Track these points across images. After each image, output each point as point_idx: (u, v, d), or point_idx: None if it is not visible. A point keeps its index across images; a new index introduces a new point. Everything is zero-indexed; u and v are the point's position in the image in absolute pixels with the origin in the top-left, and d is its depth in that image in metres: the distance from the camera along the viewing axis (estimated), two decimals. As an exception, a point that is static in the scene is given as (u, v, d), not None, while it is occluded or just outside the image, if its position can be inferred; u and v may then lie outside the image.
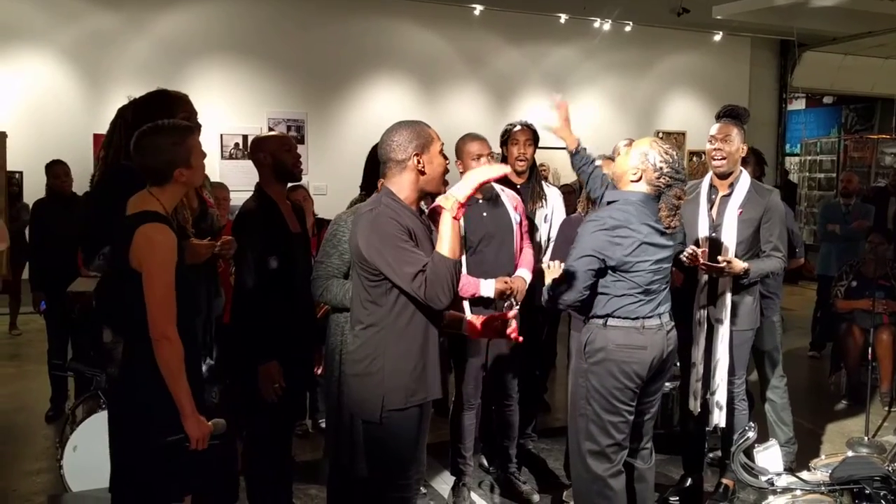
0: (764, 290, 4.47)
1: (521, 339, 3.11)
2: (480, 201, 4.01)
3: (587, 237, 3.22)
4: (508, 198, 4.13)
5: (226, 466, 3.11)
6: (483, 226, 3.99)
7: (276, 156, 3.56)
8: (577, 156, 4.03)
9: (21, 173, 8.52)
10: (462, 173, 3.96)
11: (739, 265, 3.82)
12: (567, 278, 3.24)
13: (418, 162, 2.76)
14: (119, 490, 2.89)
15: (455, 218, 2.64)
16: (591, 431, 3.31)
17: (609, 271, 3.23)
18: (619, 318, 3.25)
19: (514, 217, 4.09)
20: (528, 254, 4.14)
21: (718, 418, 4.01)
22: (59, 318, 5.67)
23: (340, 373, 3.24)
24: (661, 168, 3.22)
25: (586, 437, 3.33)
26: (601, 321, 3.29)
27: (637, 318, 3.25)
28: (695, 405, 4.02)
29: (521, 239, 4.13)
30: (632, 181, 3.27)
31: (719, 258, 3.82)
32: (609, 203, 3.32)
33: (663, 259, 3.29)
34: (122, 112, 3.36)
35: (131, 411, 2.82)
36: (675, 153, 3.27)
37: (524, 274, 4.05)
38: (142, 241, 2.67)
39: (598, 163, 4.02)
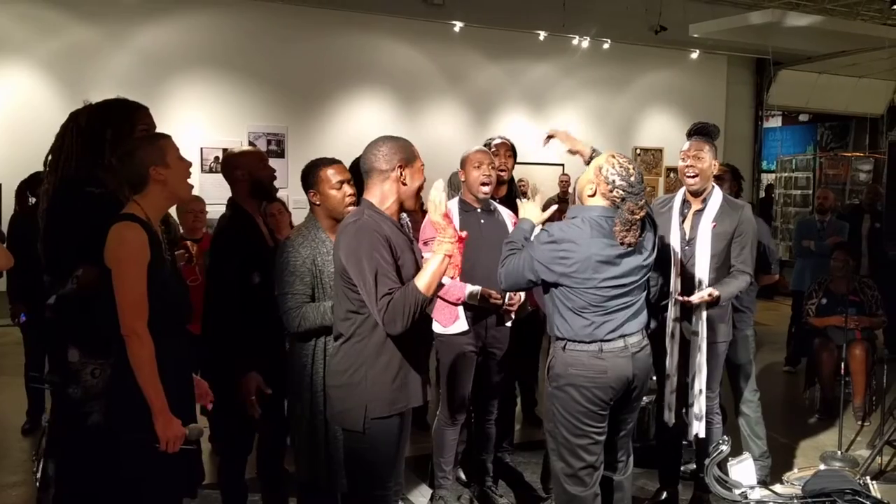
0: (738, 304, 4.52)
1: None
2: (479, 210, 4.09)
3: (538, 247, 3.21)
4: (507, 215, 4.20)
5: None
6: (479, 232, 4.02)
7: (252, 173, 3.52)
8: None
9: (-1, 186, 8.48)
10: (465, 182, 4.09)
11: (710, 294, 3.83)
12: (513, 267, 3.26)
13: (401, 174, 2.84)
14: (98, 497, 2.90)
15: (447, 255, 2.73)
16: (562, 454, 3.30)
17: (552, 287, 3.22)
18: (576, 341, 3.22)
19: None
20: None
21: (698, 428, 4.01)
22: (38, 331, 5.63)
23: (312, 393, 3.27)
24: (613, 181, 3.16)
25: (559, 458, 3.33)
26: (561, 344, 3.26)
27: (594, 342, 3.20)
28: (670, 416, 4.05)
29: None
30: (588, 196, 3.25)
31: (692, 298, 3.85)
32: (572, 218, 3.26)
33: (622, 276, 3.20)
34: (74, 116, 3.18)
35: (108, 410, 2.83)
36: (630, 166, 3.20)
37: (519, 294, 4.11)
38: (112, 238, 2.70)
39: None
